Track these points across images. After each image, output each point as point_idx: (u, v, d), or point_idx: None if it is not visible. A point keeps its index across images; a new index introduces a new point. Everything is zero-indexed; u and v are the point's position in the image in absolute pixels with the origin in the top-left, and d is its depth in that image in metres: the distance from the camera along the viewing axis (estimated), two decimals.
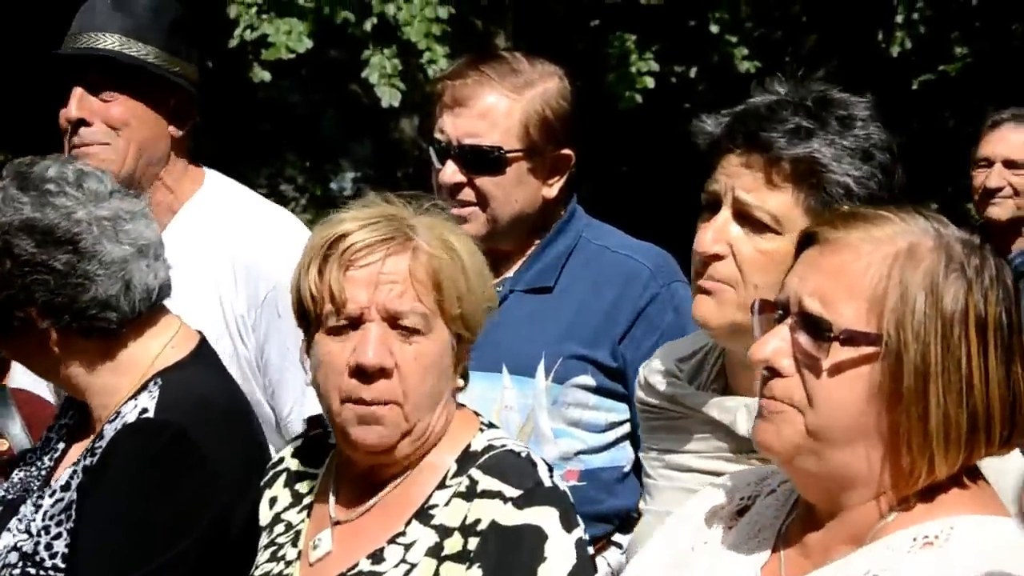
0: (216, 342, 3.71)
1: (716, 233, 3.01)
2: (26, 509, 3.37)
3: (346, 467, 3.12)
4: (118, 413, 3.32)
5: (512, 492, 2.94)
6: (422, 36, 11.80)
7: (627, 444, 3.96)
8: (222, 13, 12.29)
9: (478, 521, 2.93)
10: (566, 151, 4.03)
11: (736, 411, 3.08)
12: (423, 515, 2.99)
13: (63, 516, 3.29)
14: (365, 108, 14.99)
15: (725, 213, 3.01)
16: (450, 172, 3.96)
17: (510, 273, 4.02)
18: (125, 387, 3.35)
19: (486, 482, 2.97)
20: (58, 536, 3.28)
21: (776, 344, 2.46)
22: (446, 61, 11.30)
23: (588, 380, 3.93)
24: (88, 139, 4.15)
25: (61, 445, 3.50)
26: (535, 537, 2.92)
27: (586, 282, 4.00)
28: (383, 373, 2.95)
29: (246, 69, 12.46)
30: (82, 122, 4.15)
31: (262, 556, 3.15)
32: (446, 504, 2.98)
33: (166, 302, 3.44)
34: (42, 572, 3.27)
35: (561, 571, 2.91)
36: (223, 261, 4.18)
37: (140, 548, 3.20)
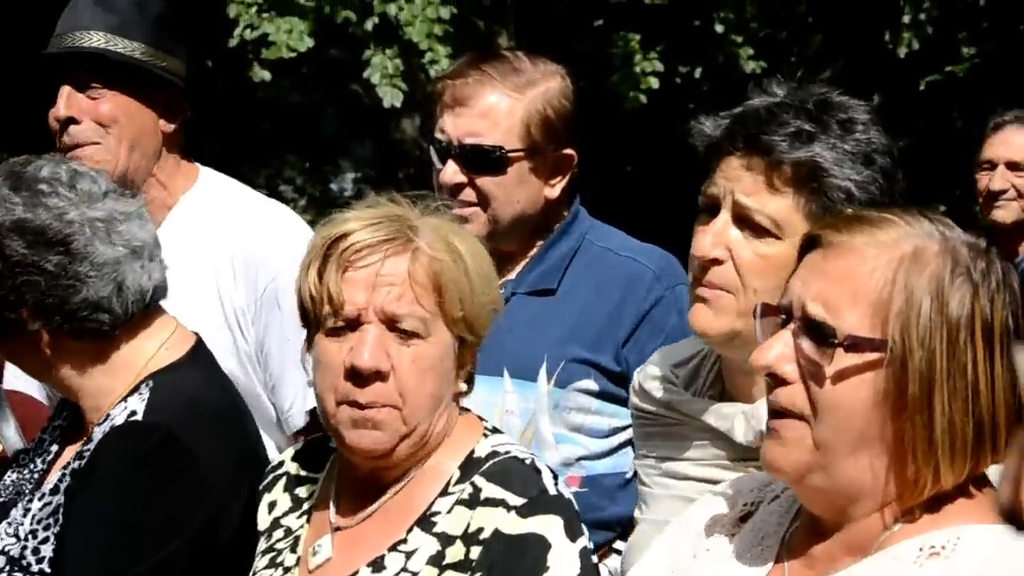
0: (216, 336, 3.69)
1: (715, 237, 2.98)
2: (15, 513, 3.35)
3: (347, 471, 3.08)
4: (107, 415, 3.30)
5: (516, 500, 2.91)
6: (424, 36, 11.83)
7: (629, 450, 3.91)
8: (222, 12, 12.31)
9: (481, 530, 2.90)
10: (568, 151, 4.02)
11: (734, 418, 3.05)
12: (425, 522, 2.96)
13: (51, 520, 3.27)
14: (366, 108, 15.01)
15: (724, 216, 2.99)
16: (451, 172, 3.94)
17: (512, 275, 4.00)
18: (118, 389, 3.33)
19: (489, 490, 2.93)
20: (46, 540, 3.26)
21: (779, 350, 2.43)
22: (448, 61, 11.30)
23: (591, 384, 3.91)
24: (78, 137, 4.14)
25: (54, 447, 3.49)
26: (539, 546, 2.88)
27: (589, 285, 3.98)
28: (379, 376, 2.92)
29: (246, 69, 12.48)
30: (71, 120, 4.15)
31: (260, 561, 3.12)
32: (448, 511, 2.95)
33: (164, 302, 3.42)
34: None
35: None
36: (221, 255, 4.17)
37: (128, 551, 3.18)
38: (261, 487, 3.22)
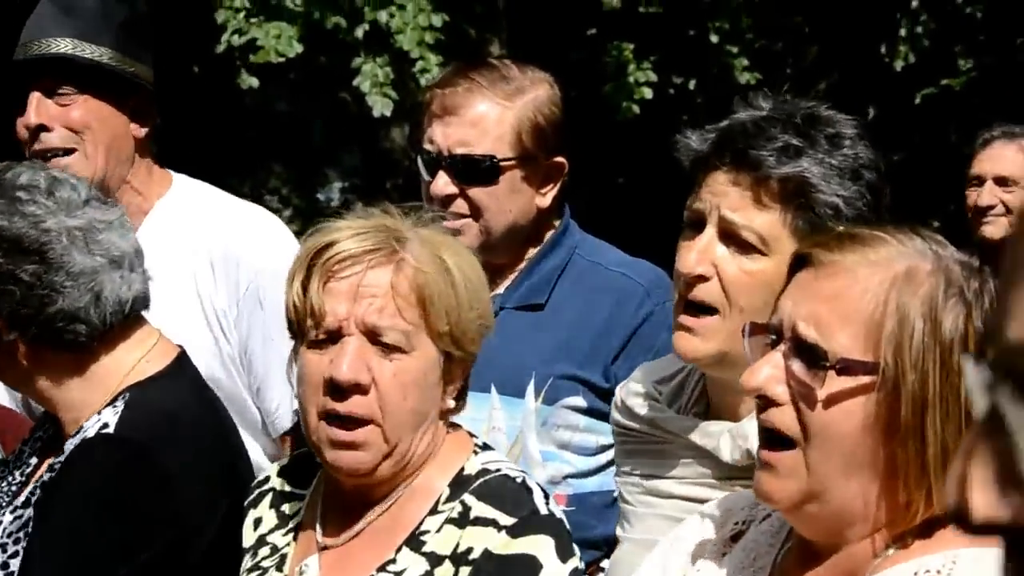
0: (199, 340, 3.70)
1: (700, 254, 2.96)
2: None
3: (333, 487, 3.04)
4: (81, 428, 3.26)
5: (506, 520, 2.87)
6: (415, 44, 11.86)
7: None
8: (209, 18, 12.32)
9: (470, 550, 2.87)
10: (559, 159, 3.99)
11: (720, 436, 3.02)
12: (414, 541, 2.92)
13: (21, 534, 3.24)
14: (354, 117, 15.03)
15: (710, 232, 2.96)
16: (442, 183, 3.91)
17: (501, 289, 3.96)
18: (96, 401, 3.29)
19: (479, 509, 2.90)
20: (15, 555, 3.23)
21: (769, 371, 2.39)
22: (439, 70, 11.30)
23: (579, 401, 3.88)
24: (50, 144, 4.12)
25: (33, 460, 3.46)
26: (529, 567, 2.86)
27: (579, 300, 3.95)
28: (359, 389, 2.88)
29: (234, 76, 12.49)
30: (42, 127, 4.13)
31: None
32: (438, 531, 2.92)
33: (146, 313, 3.39)
34: None
35: None
36: (200, 257, 4.16)
37: (92, 566, 3.15)
38: (246, 503, 3.18)
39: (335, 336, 2.90)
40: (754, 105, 3.03)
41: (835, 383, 2.34)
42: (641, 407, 3.20)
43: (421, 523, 2.94)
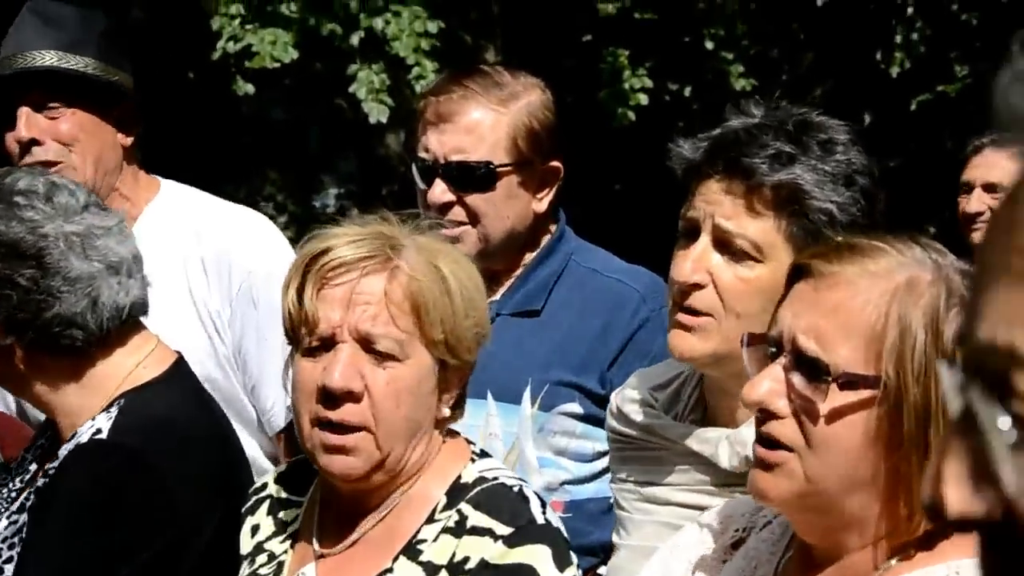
0: (194, 342, 3.70)
1: (695, 262, 2.96)
2: None
3: (330, 495, 3.04)
4: (75, 434, 3.26)
5: (503, 530, 2.86)
6: (411, 51, 11.85)
7: None
8: (205, 25, 12.32)
9: (467, 559, 2.86)
10: (554, 163, 3.99)
11: (718, 443, 3.02)
12: (411, 550, 2.91)
13: (15, 539, 3.25)
14: (349, 123, 15.02)
15: (704, 240, 2.97)
16: (439, 191, 3.90)
17: (496, 296, 3.95)
18: (93, 407, 3.29)
19: (476, 518, 2.89)
20: (9, 560, 3.23)
21: (769, 385, 2.38)
22: (435, 76, 11.29)
23: (575, 408, 3.88)
24: (42, 158, 4.14)
25: (33, 466, 3.45)
26: None
27: (574, 306, 3.95)
28: (351, 396, 2.86)
29: (229, 83, 12.48)
30: (34, 141, 4.16)
31: None
32: (434, 540, 2.91)
33: (144, 319, 3.39)
34: None
35: None
36: (191, 259, 4.18)
37: (83, 573, 3.15)
38: (244, 510, 3.17)
39: (329, 343, 2.89)
40: (746, 113, 3.03)
41: (837, 397, 2.33)
42: (637, 414, 3.19)
43: (418, 532, 2.93)
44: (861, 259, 2.37)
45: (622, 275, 3.98)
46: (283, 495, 3.14)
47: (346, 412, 2.87)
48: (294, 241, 3.64)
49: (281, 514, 3.12)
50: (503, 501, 2.91)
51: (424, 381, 2.91)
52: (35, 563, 3.19)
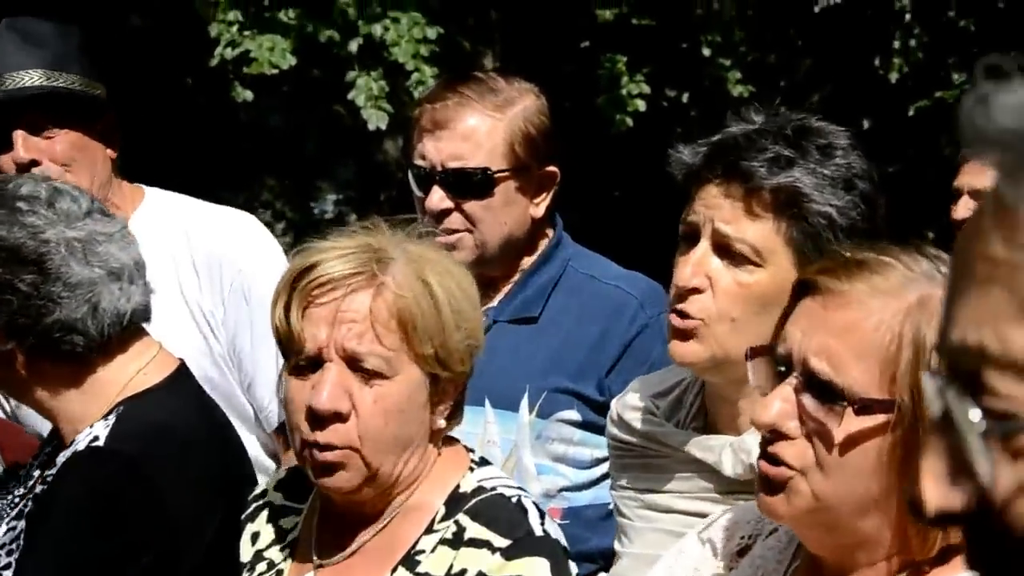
0: (189, 342, 3.70)
1: (695, 267, 2.96)
2: None
3: (328, 504, 3.03)
4: (73, 441, 3.25)
5: (501, 542, 2.85)
6: (410, 57, 11.84)
7: None
8: (203, 32, 12.31)
9: (464, 571, 2.85)
10: (551, 168, 4.00)
11: (721, 451, 3.01)
12: (409, 561, 2.90)
13: (13, 546, 3.24)
14: (348, 129, 15.01)
15: (704, 245, 2.96)
16: (437, 199, 3.90)
17: (494, 303, 3.95)
18: (94, 413, 3.28)
19: (474, 529, 2.87)
20: (7, 567, 3.22)
21: (780, 406, 2.34)
22: (434, 82, 11.28)
23: (573, 415, 3.88)
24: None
25: (36, 472, 3.44)
26: None
27: (572, 313, 3.94)
28: (338, 417, 2.85)
29: (228, 89, 12.47)
30: (33, 162, 4.18)
31: None
32: (432, 551, 2.89)
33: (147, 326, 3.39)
34: None
35: None
36: (182, 261, 4.20)
37: None
38: (243, 517, 3.16)
39: (316, 362, 2.88)
40: (746, 119, 3.02)
41: (853, 423, 2.29)
42: (638, 420, 3.18)
43: (416, 542, 2.92)
44: (870, 276, 2.32)
45: (620, 281, 3.97)
46: (283, 502, 3.14)
47: (332, 434, 2.86)
48: (292, 247, 3.66)
49: (281, 522, 3.11)
50: (501, 512, 2.90)
51: (414, 396, 2.89)
52: (32, 570, 3.18)
